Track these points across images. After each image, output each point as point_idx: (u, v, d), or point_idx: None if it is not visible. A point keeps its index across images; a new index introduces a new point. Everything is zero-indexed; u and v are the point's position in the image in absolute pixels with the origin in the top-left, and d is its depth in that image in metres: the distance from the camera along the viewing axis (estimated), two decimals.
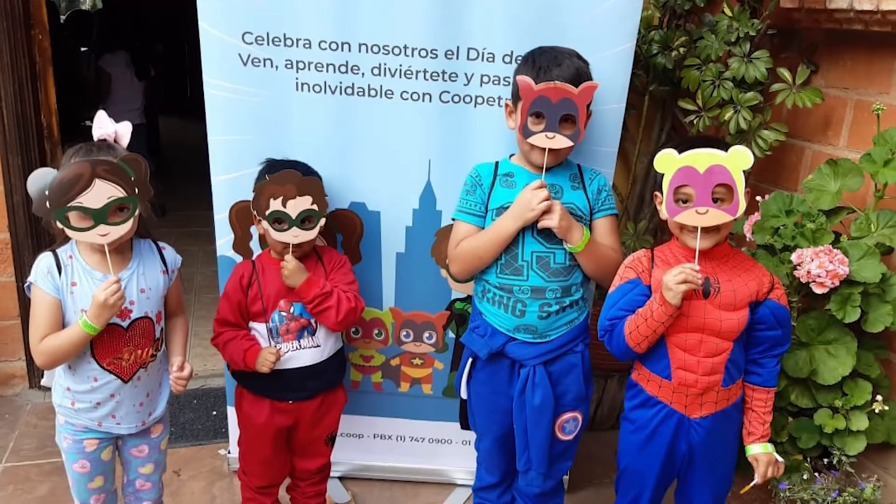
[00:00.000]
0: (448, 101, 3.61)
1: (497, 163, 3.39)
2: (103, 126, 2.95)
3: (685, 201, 2.84)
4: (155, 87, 9.92)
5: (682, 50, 4.39)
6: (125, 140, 2.98)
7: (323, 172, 3.46)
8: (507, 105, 3.34)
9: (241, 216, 3.73)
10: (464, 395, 3.59)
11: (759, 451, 3.16)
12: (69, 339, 2.87)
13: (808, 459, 3.86)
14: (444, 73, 3.56)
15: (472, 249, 3.30)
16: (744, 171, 2.78)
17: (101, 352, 2.98)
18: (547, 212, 3.12)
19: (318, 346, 3.45)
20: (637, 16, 3.52)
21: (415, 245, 3.89)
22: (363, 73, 3.56)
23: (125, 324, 2.98)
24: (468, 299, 3.94)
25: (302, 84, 3.57)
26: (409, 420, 4.31)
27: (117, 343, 2.98)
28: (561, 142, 3.11)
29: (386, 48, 3.52)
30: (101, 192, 2.72)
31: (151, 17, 14.18)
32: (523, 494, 3.61)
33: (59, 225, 2.75)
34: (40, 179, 2.70)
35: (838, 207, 3.78)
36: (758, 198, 3.99)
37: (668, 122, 4.92)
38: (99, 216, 2.74)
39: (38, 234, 4.91)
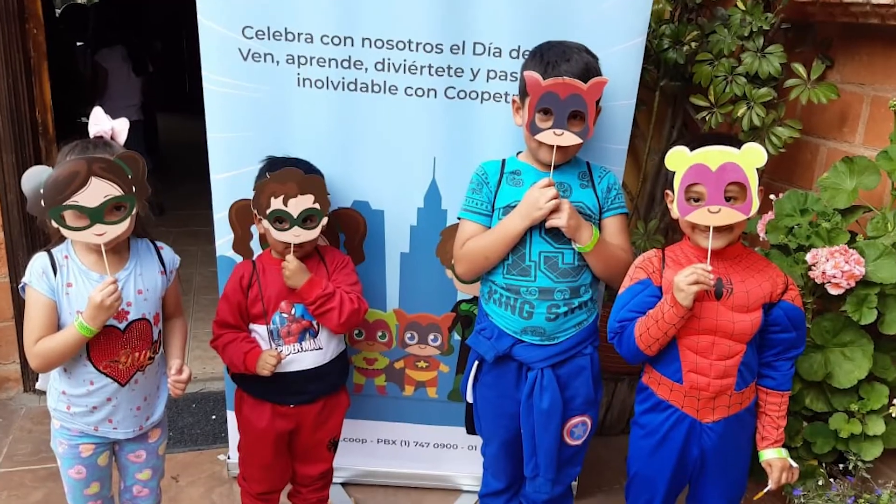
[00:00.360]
0: (453, 98, 3.60)
1: (504, 160, 3.40)
2: (100, 123, 2.95)
3: (697, 200, 2.85)
4: (153, 82, 9.88)
5: (693, 45, 4.38)
6: (122, 137, 2.98)
7: (325, 170, 3.46)
8: (514, 101, 3.34)
9: (242, 215, 3.73)
10: (470, 398, 3.60)
11: (773, 456, 3.16)
12: (64, 342, 2.86)
13: (824, 465, 3.85)
14: (449, 68, 3.56)
15: (478, 249, 3.30)
16: (757, 169, 2.78)
17: (97, 354, 2.98)
18: (555, 211, 3.12)
19: (321, 348, 3.46)
20: (647, 10, 3.53)
21: (419, 245, 3.88)
22: (366, 69, 3.55)
23: (122, 326, 2.98)
24: (474, 300, 3.94)
25: (303, 79, 3.57)
26: (414, 424, 4.31)
27: (114, 345, 2.98)
28: (569, 139, 3.11)
29: (389, 43, 3.52)
30: (98, 191, 2.72)
31: (149, 11, 14.18)
32: (531, 501, 3.62)
33: (55, 224, 2.75)
34: (35, 177, 2.70)
35: (854, 206, 3.76)
36: (771, 196, 3.98)
37: (680, 118, 4.91)
38: (95, 215, 2.74)
39: (32, 233, 4.91)
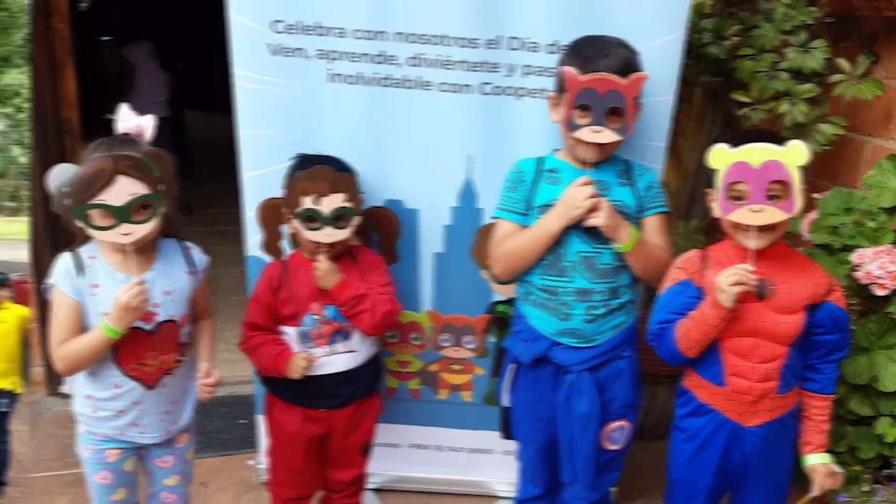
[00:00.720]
0: (489, 94, 3.61)
1: (541, 158, 3.39)
2: (126, 119, 2.96)
3: (739, 198, 2.84)
4: (180, 78, 9.91)
5: (735, 39, 4.36)
6: (149, 134, 2.98)
7: (357, 168, 3.47)
8: (551, 97, 3.34)
9: (271, 214, 3.71)
10: (506, 402, 3.60)
11: (817, 461, 3.15)
12: (90, 344, 2.88)
13: (869, 470, 3.83)
14: (485, 63, 3.57)
15: (514, 249, 3.30)
16: (800, 167, 2.77)
17: (123, 357, 2.98)
18: (593, 210, 3.11)
19: (353, 350, 3.46)
20: (687, 3, 3.53)
21: (454, 245, 3.90)
22: (400, 64, 3.57)
23: (149, 328, 2.99)
24: (510, 302, 3.91)
25: (335, 75, 3.58)
26: (448, 429, 4.31)
27: (141, 348, 2.99)
28: (608, 136, 3.11)
29: (424, 37, 3.53)
30: (124, 189, 2.74)
31: (177, 4, 14.21)
32: None
33: (80, 223, 2.77)
34: (60, 176, 2.72)
35: None
36: (815, 195, 3.96)
37: (721, 115, 4.90)
38: (121, 214, 2.75)
39: (58, 233, 4.91)
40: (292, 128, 3.65)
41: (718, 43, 4.38)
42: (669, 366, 3.21)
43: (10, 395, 6.48)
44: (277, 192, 3.35)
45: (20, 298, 6.90)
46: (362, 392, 3.58)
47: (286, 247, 3.79)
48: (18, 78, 22.11)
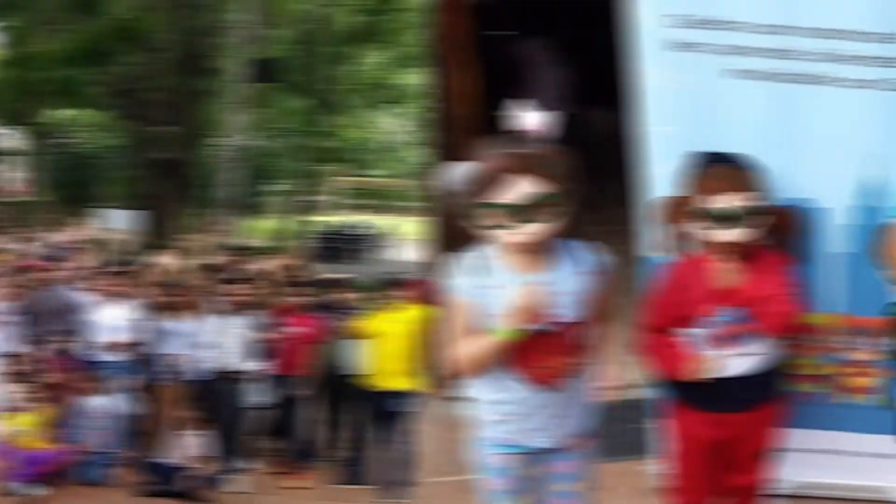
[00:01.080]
0: (892, 90, 3.55)
1: None
2: (524, 117, 2.98)
3: None
4: (579, 73, 9.85)
5: None
6: (547, 131, 2.99)
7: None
8: None
9: (670, 213, 3.67)
10: None
11: None
12: (485, 346, 2.92)
13: None
14: (891, 58, 3.52)
15: None
16: None
17: (518, 359, 2.98)
18: None
19: (754, 353, 3.42)
20: None
21: (854, 245, 3.83)
22: (806, 59, 3.55)
23: (546, 330, 2.97)
24: None
25: (736, 71, 3.60)
26: (848, 433, 4.18)
27: (537, 350, 2.98)
28: None
29: (834, 32, 3.50)
30: (523, 189, 2.77)
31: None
32: None
33: (477, 222, 2.83)
34: (457, 174, 2.78)
35: None
36: None
37: None
38: (519, 214, 2.79)
39: (456, 232, 5.01)
40: (690, 124, 3.67)
41: None
42: None
43: (409, 396, 6.75)
44: (674, 190, 3.41)
45: (421, 298, 7.18)
46: (764, 396, 3.53)
47: (684, 247, 3.74)
48: (413, 78, 23.06)
